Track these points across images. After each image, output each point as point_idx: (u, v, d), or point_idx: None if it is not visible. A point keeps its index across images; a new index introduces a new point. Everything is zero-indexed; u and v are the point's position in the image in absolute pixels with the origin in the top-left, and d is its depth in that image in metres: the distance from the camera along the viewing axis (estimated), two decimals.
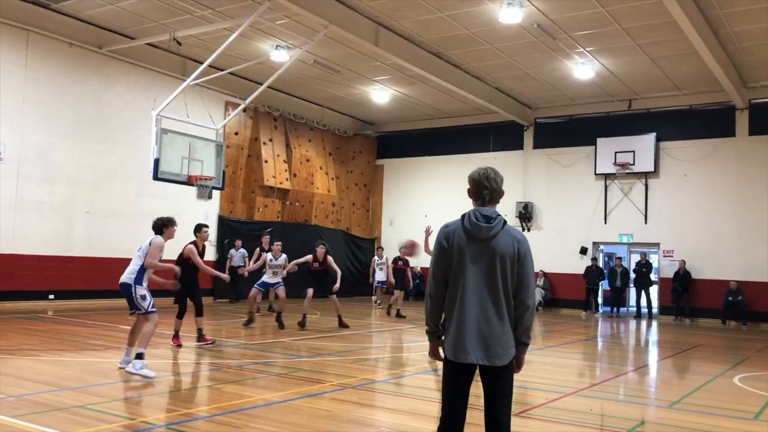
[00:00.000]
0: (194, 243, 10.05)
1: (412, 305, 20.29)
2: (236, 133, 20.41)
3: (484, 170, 3.82)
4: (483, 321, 3.61)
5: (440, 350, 3.84)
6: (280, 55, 16.68)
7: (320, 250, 13.50)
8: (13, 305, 14.67)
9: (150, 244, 8.05)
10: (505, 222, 3.76)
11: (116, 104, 17.22)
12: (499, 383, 3.69)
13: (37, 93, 15.56)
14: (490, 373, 3.66)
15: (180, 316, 10.05)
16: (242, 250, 18.00)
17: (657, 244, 20.44)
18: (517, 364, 3.78)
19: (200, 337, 10.17)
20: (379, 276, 19.03)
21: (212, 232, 19.43)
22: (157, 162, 13.74)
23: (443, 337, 3.80)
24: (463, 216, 3.77)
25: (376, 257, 19.34)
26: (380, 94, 21.04)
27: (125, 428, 5.34)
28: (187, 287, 9.97)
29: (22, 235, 15.19)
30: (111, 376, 7.56)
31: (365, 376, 8.49)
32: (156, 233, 8.21)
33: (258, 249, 15.49)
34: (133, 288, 7.86)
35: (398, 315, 16.32)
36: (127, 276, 7.93)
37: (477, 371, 3.72)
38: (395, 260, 17.06)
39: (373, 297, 20.89)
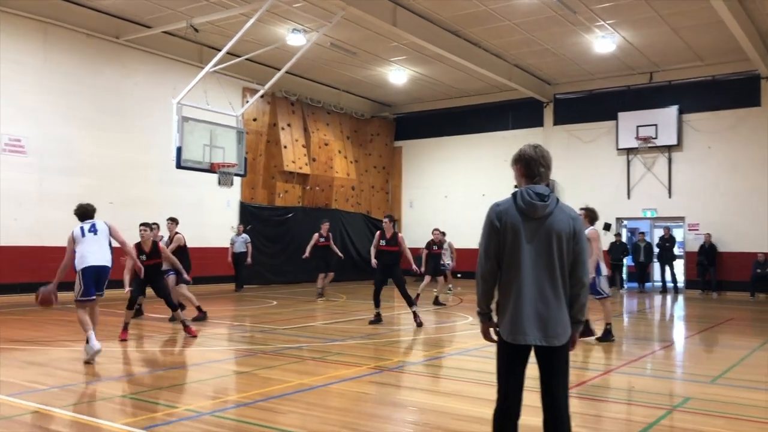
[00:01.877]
0: (137, 245, 9.62)
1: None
2: (255, 119, 20.37)
3: (538, 147, 3.73)
4: (540, 301, 3.55)
5: (491, 332, 3.79)
6: (296, 39, 16.53)
7: (171, 226, 11.87)
8: None
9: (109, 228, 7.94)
10: (558, 199, 3.68)
11: (135, 94, 17.22)
12: (557, 363, 3.63)
13: (56, 85, 15.60)
14: (547, 353, 3.60)
15: (130, 306, 9.42)
16: (244, 236, 17.90)
17: (682, 218, 20.21)
18: (572, 342, 3.72)
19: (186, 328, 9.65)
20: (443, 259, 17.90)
21: (234, 219, 19.53)
22: (179, 150, 13.74)
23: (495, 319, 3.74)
24: (514, 194, 3.69)
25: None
26: (397, 75, 20.86)
27: (170, 416, 5.36)
28: (151, 284, 9.65)
29: (48, 227, 15.26)
30: (150, 365, 7.60)
31: (400, 358, 8.48)
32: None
33: (317, 235, 16.26)
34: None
35: (437, 302, 15.09)
36: (107, 259, 7.78)
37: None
38: (428, 245, 15.38)
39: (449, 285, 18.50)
